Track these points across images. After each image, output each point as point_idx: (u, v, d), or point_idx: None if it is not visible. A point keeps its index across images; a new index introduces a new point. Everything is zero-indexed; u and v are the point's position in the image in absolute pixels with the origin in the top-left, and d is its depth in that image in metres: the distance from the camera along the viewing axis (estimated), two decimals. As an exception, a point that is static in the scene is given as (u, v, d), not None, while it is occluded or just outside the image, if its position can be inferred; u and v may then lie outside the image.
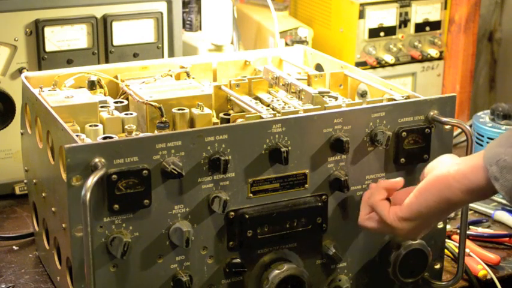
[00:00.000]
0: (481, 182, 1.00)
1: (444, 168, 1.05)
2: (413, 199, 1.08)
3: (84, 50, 1.57)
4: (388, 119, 1.19)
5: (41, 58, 1.54)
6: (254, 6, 2.02)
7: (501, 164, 0.97)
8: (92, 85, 1.34)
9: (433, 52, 1.93)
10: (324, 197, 1.18)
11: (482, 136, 1.60)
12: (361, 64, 1.86)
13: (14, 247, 1.41)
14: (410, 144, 1.21)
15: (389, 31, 1.88)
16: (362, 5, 1.83)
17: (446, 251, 1.34)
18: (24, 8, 1.51)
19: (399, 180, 1.14)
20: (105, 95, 1.35)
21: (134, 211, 1.07)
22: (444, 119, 1.21)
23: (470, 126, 1.64)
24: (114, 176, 1.04)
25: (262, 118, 1.16)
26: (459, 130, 1.67)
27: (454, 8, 1.94)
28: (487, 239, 1.45)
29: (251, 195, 1.14)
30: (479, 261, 1.36)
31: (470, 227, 1.48)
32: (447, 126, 1.23)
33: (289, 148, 1.13)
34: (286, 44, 1.86)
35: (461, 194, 1.03)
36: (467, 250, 1.35)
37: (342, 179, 1.17)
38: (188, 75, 1.39)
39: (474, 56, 1.99)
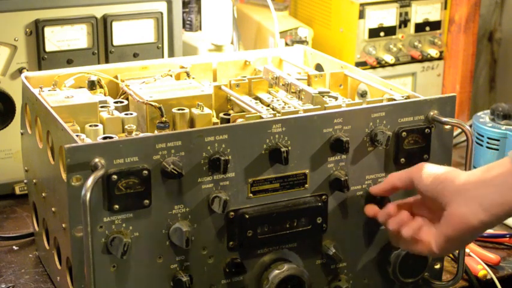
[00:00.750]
0: None
1: (475, 217, 1.03)
2: (446, 244, 1.08)
3: (84, 50, 1.57)
4: (388, 119, 1.19)
5: (41, 58, 1.54)
6: (254, 6, 2.02)
7: None
8: (92, 85, 1.34)
9: (433, 52, 1.93)
10: (324, 197, 1.18)
11: (482, 136, 1.60)
12: (361, 64, 1.86)
13: (14, 247, 1.41)
14: (410, 144, 1.21)
15: (389, 31, 1.88)
16: (362, 5, 1.83)
17: (446, 251, 1.34)
18: (24, 8, 1.51)
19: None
20: (105, 95, 1.35)
21: (134, 211, 1.07)
22: (444, 119, 1.21)
23: (470, 126, 1.64)
24: (114, 176, 1.04)
25: (262, 118, 1.16)
26: (459, 130, 1.67)
27: (454, 8, 1.94)
28: (487, 239, 1.45)
29: (251, 195, 1.14)
30: (479, 261, 1.36)
31: (470, 227, 1.48)
32: (447, 126, 1.23)
33: (289, 148, 1.13)
34: (286, 44, 1.86)
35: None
36: (467, 250, 1.35)
37: (342, 179, 1.17)
38: (188, 75, 1.39)
39: (474, 56, 1.99)
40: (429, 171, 1.11)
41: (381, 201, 1.19)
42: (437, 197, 1.08)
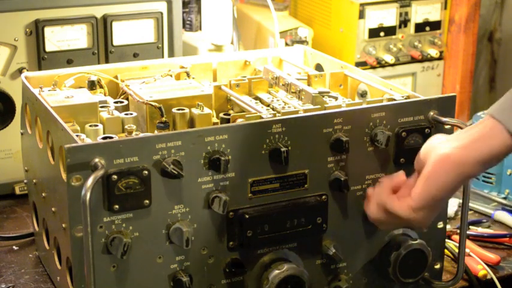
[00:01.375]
0: (500, 147, 1.01)
1: (448, 147, 1.04)
2: (423, 186, 1.06)
3: (84, 50, 1.57)
4: (388, 119, 1.19)
5: (41, 58, 1.54)
6: (254, 6, 2.02)
7: None
8: (92, 85, 1.34)
9: (433, 52, 1.94)
10: (324, 197, 1.18)
11: (482, 136, 1.60)
12: (361, 64, 1.86)
13: (14, 247, 1.41)
14: (410, 144, 1.21)
15: (389, 31, 1.88)
16: (362, 5, 1.83)
17: (446, 251, 1.34)
18: (24, 8, 1.51)
19: (400, 174, 1.14)
20: (105, 95, 1.35)
21: (134, 211, 1.07)
22: (444, 119, 1.21)
23: (470, 126, 1.64)
24: (114, 176, 1.04)
25: (262, 118, 1.16)
26: (459, 130, 1.67)
27: (454, 8, 1.94)
28: (487, 239, 1.45)
29: (251, 195, 1.14)
30: (479, 261, 1.36)
31: (470, 227, 1.48)
32: (447, 126, 1.23)
33: (289, 148, 1.13)
34: (286, 44, 1.86)
35: (478, 165, 1.03)
36: (467, 250, 1.35)
37: (342, 179, 1.17)
38: (188, 75, 1.39)
39: (474, 56, 1.99)
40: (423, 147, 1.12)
41: None
42: (423, 158, 1.08)
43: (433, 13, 1.93)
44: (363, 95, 1.43)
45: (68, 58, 1.56)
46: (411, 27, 1.91)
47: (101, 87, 1.35)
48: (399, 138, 1.20)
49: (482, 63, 2.34)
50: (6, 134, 1.52)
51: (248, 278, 1.17)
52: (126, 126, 1.22)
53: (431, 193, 1.06)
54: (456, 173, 1.04)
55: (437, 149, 1.06)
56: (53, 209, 1.18)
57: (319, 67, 1.49)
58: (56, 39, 1.55)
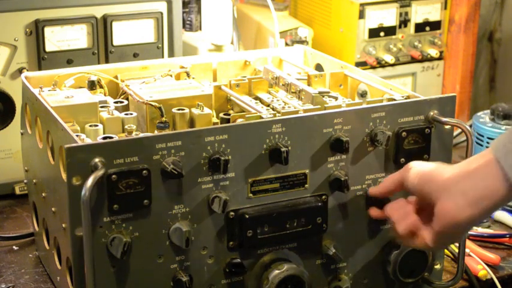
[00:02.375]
0: (502, 201, 1.00)
1: (456, 205, 1.02)
2: (435, 239, 1.07)
3: (84, 50, 1.57)
4: (388, 119, 1.19)
5: (41, 58, 1.54)
6: (254, 6, 2.02)
7: None
8: (92, 85, 1.34)
9: (433, 52, 1.94)
10: (324, 197, 1.18)
11: (482, 136, 1.60)
12: (361, 64, 1.86)
13: (14, 247, 1.41)
14: (410, 144, 1.21)
15: (389, 31, 1.88)
16: (362, 5, 1.83)
17: (446, 251, 1.34)
18: (24, 8, 1.51)
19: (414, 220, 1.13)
20: (105, 95, 1.35)
21: (134, 211, 1.07)
22: (444, 119, 1.21)
23: (470, 126, 1.64)
24: (114, 176, 1.04)
25: (262, 118, 1.16)
26: (459, 130, 1.67)
27: (454, 8, 1.94)
28: (487, 239, 1.45)
29: (251, 195, 1.14)
30: (479, 261, 1.36)
31: (470, 227, 1.48)
32: (447, 126, 1.23)
33: (289, 148, 1.13)
34: (286, 44, 1.86)
35: (483, 218, 1.06)
36: (467, 250, 1.35)
37: (342, 179, 1.17)
38: (188, 75, 1.39)
39: (474, 56, 1.99)
40: (416, 170, 1.10)
41: (381, 202, 1.19)
42: (425, 195, 1.07)
43: (433, 13, 1.93)
44: (363, 95, 1.43)
45: (68, 58, 1.56)
46: (411, 27, 1.91)
47: (101, 87, 1.35)
48: (399, 138, 1.20)
49: (482, 63, 2.34)
50: (6, 134, 1.52)
51: (248, 278, 1.17)
52: (126, 126, 1.22)
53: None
54: (466, 230, 1.09)
55: (446, 208, 1.03)
56: (53, 209, 1.18)
57: (319, 67, 1.49)
58: (56, 39, 1.55)
